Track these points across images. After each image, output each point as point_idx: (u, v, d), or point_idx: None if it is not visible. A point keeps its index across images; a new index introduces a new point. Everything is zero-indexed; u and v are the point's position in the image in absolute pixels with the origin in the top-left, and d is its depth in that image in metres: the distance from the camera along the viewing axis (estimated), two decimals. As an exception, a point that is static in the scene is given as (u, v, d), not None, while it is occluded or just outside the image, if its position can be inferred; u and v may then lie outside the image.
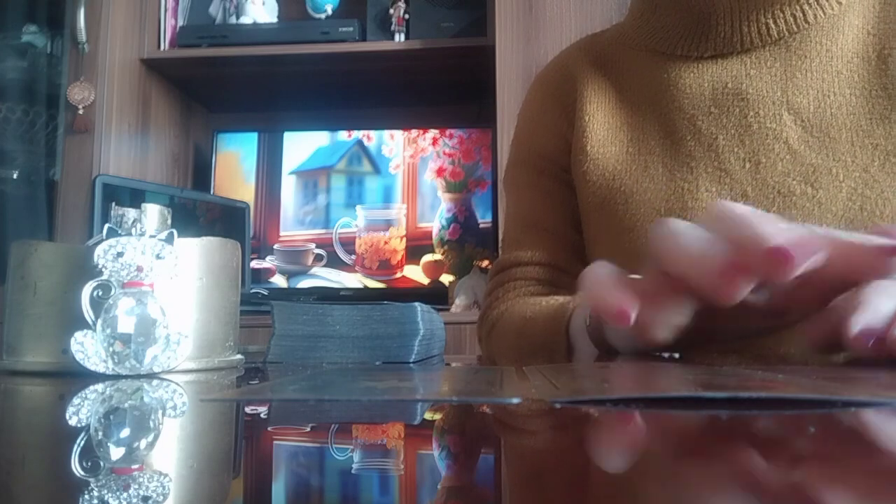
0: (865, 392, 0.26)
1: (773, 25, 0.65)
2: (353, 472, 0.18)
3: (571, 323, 0.60)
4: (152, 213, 0.43)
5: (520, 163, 0.81)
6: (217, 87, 2.02)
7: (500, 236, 0.85)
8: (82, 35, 1.66)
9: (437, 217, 1.96)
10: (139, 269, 0.41)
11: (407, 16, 1.84)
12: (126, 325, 0.40)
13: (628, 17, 0.77)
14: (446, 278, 1.94)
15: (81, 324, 0.40)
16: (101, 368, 0.39)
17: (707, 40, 0.67)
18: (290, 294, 1.94)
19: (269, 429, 0.25)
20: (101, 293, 0.40)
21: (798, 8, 0.65)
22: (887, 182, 0.60)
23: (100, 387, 0.35)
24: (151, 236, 0.42)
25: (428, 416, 0.26)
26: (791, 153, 0.63)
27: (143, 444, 0.21)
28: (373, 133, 2.00)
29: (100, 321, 0.40)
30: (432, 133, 1.99)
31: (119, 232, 0.42)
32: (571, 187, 0.76)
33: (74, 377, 0.39)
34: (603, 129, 0.72)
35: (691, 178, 0.65)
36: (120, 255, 0.41)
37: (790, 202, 0.62)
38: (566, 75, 0.77)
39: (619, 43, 0.76)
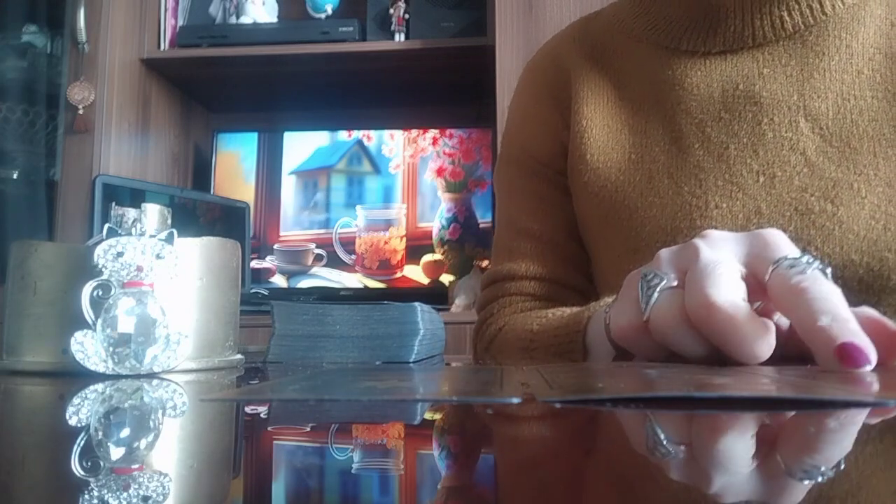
0: (866, 392, 0.27)
1: (787, 18, 0.60)
2: (353, 472, 0.18)
3: (589, 328, 0.55)
4: (152, 213, 0.43)
5: (511, 161, 0.75)
6: (217, 87, 2.02)
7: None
8: (82, 35, 1.66)
9: (437, 217, 1.96)
10: (139, 268, 0.41)
11: (407, 16, 1.84)
12: (126, 325, 0.40)
13: (626, 2, 0.70)
14: (446, 278, 1.94)
15: (81, 324, 0.40)
16: (101, 368, 0.39)
17: (715, 34, 0.62)
18: (290, 294, 1.94)
19: (269, 429, 0.25)
20: (101, 293, 0.40)
21: None
22: None
23: (100, 387, 0.35)
24: (151, 236, 0.42)
25: (428, 416, 0.26)
26: (809, 166, 0.57)
27: (143, 444, 0.21)
28: (373, 133, 2.00)
29: (100, 321, 0.40)
30: (432, 133, 1.99)
31: (119, 232, 0.42)
32: (567, 193, 0.70)
33: (74, 377, 0.39)
34: (603, 134, 0.66)
35: (700, 193, 0.60)
36: (120, 255, 0.41)
37: (808, 221, 0.56)
38: (559, 67, 0.71)
39: (617, 31, 0.69)
